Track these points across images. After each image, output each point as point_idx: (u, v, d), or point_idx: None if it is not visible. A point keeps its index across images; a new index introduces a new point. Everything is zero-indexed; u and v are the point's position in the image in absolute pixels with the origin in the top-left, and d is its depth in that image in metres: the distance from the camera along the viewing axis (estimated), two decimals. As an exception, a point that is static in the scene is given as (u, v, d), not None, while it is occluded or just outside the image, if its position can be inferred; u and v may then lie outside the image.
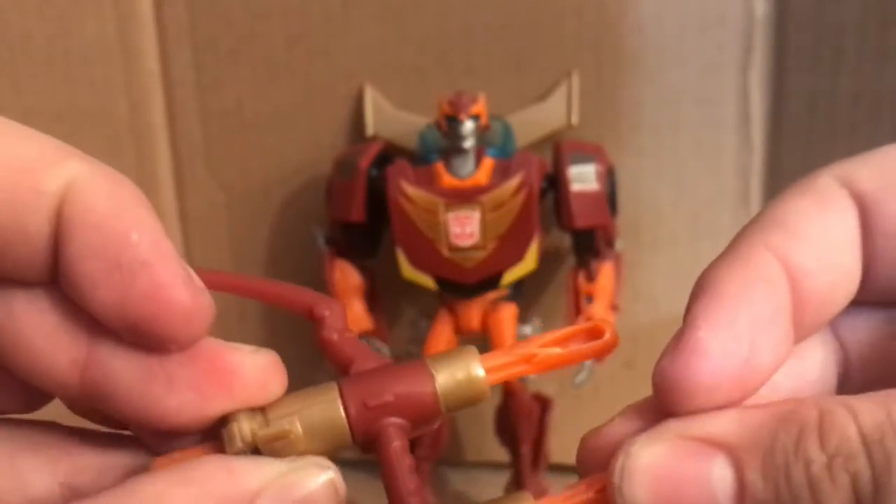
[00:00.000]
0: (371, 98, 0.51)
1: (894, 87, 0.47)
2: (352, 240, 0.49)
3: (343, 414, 0.20)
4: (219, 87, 0.52)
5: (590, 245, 0.48)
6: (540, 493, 0.50)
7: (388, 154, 0.49)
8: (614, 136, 0.50)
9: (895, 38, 0.46)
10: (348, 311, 0.49)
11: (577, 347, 0.21)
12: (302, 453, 0.20)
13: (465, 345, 0.22)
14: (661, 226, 0.52)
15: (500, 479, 0.51)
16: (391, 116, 0.51)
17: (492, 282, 0.46)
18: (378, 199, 0.47)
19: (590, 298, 0.47)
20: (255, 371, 0.20)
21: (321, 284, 0.49)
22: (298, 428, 0.20)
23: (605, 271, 0.48)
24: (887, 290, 0.21)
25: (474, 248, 0.45)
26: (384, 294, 0.52)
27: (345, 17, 0.50)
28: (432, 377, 0.21)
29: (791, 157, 0.51)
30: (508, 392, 0.49)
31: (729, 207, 0.52)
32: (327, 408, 0.20)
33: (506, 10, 0.50)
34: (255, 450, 0.20)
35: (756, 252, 0.19)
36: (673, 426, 0.19)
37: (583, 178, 0.46)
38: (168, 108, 0.53)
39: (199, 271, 0.20)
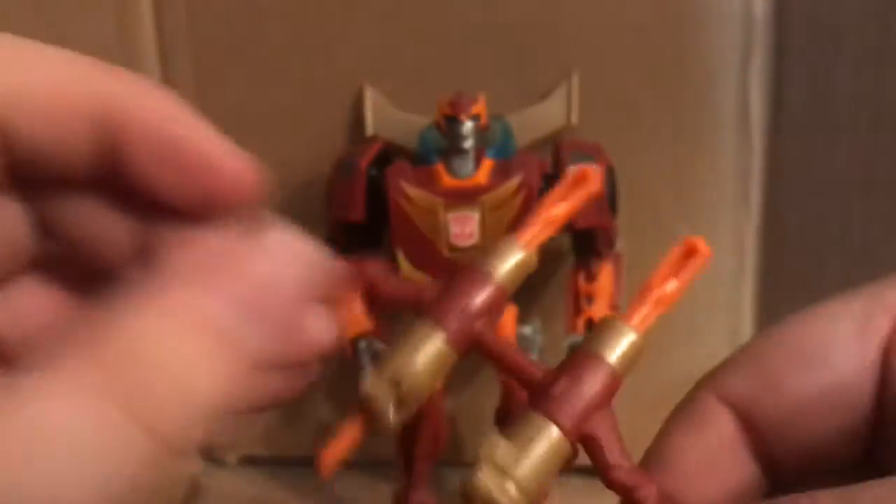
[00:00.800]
0: (371, 98, 0.51)
1: (894, 87, 0.47)
2: (352, 240, 0.49)
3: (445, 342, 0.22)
4: (219, 87, 0.52)
5: (590, 245, 0.48)
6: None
7: (388, 154, 0.49)
8: (614, 136, 0.50)
9: (894, 38, 0.46)
10: (348, 311, 0.49)
11: (686, 271, 0.22)
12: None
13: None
14: (661, 226, 0.52)
15: (500, 480, 0.51)
16: (391, 116, 0.51)
17: (492, 282, 0.46)
18: (378, 199, 0.47)
19: (590, 299, 0.47)
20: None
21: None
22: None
23: (605, 271, 0.48)
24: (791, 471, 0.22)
25: (474, 248, 0.45)
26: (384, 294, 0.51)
27: (345, 17, 0.50)
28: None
29: (791, 157, 0.51)
30: (508, 392, 0.49)
31: (729, 207, 0.52)
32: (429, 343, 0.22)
33: (506, 10, 0.50)
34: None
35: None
36: None
37: (583, 178, 0.46)
38: (168, 108, 0.53)
39: None
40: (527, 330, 0.49)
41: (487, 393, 0.51)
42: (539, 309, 0.52)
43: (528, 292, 0.50)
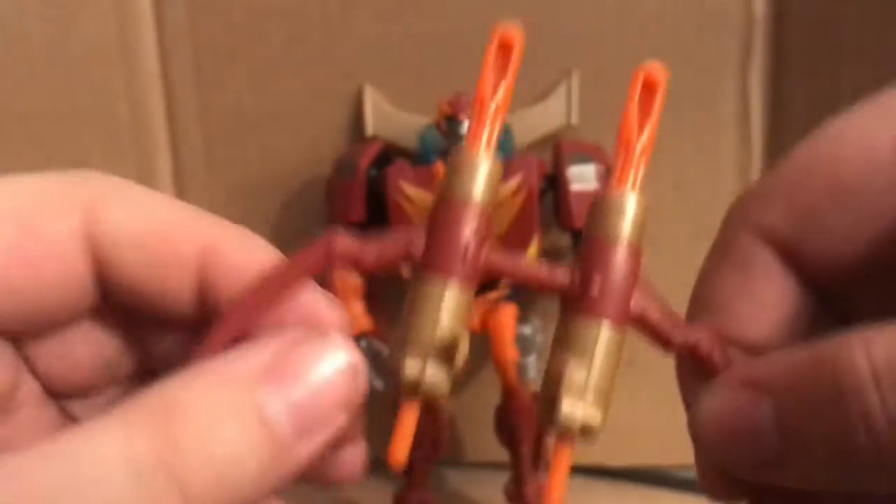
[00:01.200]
0: (371, 98, 0.51)
1: (894, 88, 0.47)
2: (352, 240, 0.49)
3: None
4: (219, 87, 0.52)
5: (590, 245, 0.47)
6: (540, 493, 0.50)
7: (388, 154, 0.49)
8: (614, 136, 0.50)
9: (895, 38, 0.46)
10: (348, 311, 0.49)
11: (654, 107, 0.22)
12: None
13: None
14: (661, 226, 0.52)
15: (500, 479, 0.51)
16: (391, 116, 0.51)
17: (491, 282, 0.46)
18: (378, 200, 0.47)
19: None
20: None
21: (321, 284, 0.49)
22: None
23: (605, 271, 0.48)
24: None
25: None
26: (384, 294, 0.52)
27: (344, 17, 0.50)
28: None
29: (791, 157, 0.51)
30: (508, 392, 0.49)
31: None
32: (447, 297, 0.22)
33: (506, 10, 0.50)
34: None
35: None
36: (727, 379, 0.21)
37: (582, 177, 0.46)
38: (168, 108, 0.53)
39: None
40: (527, 330, 0.49)
41: (487, 393, 0.51)
42: (539, 308, 0.52)
43: (528, 292, 0.50)
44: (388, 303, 0.53)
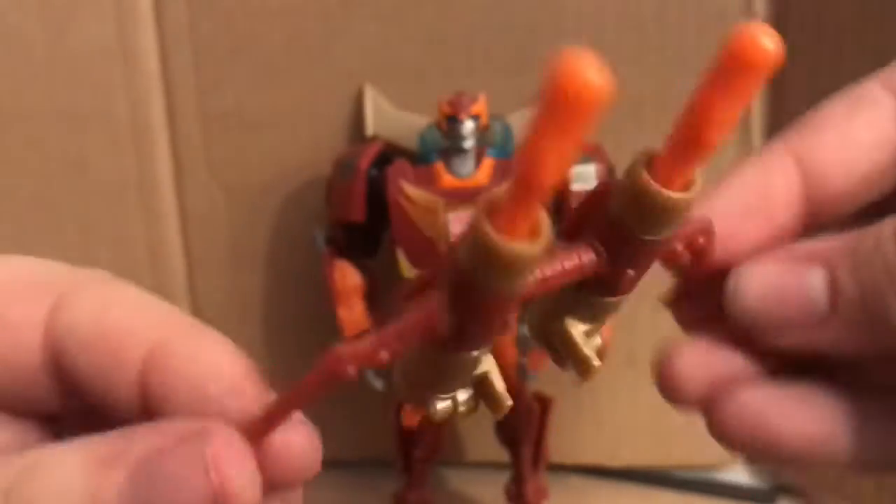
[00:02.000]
0: (371, 98, 0.51)
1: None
2: (352, 240, 0.49)
3: None
4: (219, 87, 0.52)
5: (590, 245, 0.47)
6: (540, 493, 0.50)
7: (388, 154, 0.49)
8: (614, 136, 0.50)
9: (894, 38, 0.46)
10: (348, 311, 0.49)
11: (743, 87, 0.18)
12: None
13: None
14: (661, 226, 0.52)
15: (500, 479, 0.51)
16: (391, 116, 0.51)
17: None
18: (378, 200, 0.47)
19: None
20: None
21: (321, 284, 0.49)
22: None
23: (605, 271, 0.48)
24: None
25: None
26: (384, 294, 0.52)
27: (344, 17, 0.50)
28: None
29: (791, 157, 0.51)
30: (508, 392, 0.49)
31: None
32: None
33: (506, 10, 0.50)
34: None
35: (775, 149, 0.23)
36: (777, 252, 0.23)
37: (583, 177, 0.46)
38: (168, 108, 0.53)
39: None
40: (527, 330, 0.49)
41: (487, 393, 0.51)
42: (539, 309, 0.52)
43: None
44: (388, 303, 0.53)
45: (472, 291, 0.17)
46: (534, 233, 0.17)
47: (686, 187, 0.20)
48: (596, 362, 0.22)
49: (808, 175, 0.23)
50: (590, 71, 0.15)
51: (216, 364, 0.19)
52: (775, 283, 0.22)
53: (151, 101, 0.53)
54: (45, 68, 0.52)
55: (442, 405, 0.20)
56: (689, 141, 0.19)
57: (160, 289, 0.55)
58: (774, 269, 0.22)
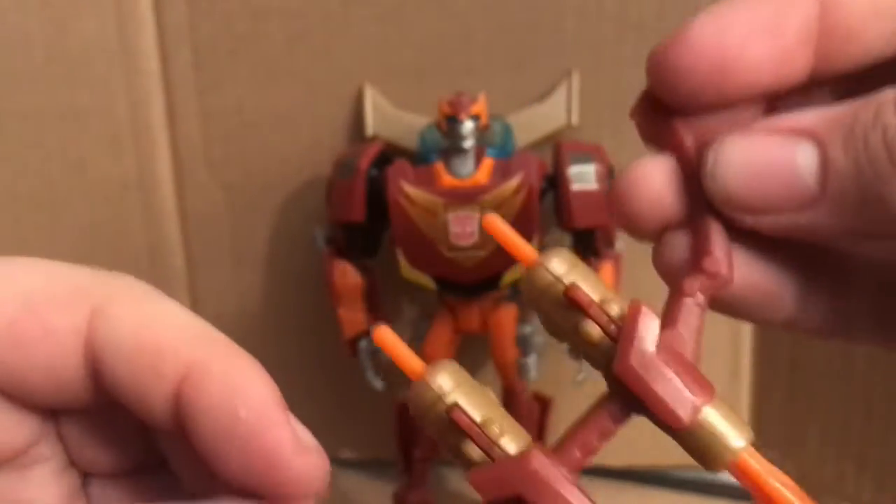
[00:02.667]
0: (371, 98, 0.51)
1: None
2: (352, 240, 0.49)
3: None
4: (219, 87, 0.52)
5: (590, 245, 0.47)
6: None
7: (388, 154, 0.49)
8: (614, 136, 0.50)
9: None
10: (348, 311, 0.49)
11: None
12: None
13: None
14: (661, 226, 0.52)
15: (500, 479, 0.51)
16: (391, 116, 0.51)
17: (491, 282, 0.46)
18: (378, 200, 0.47)
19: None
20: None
21: (321, 284, 0.49)
22: None
23: (605, 271, 0.48)
24: None
25: (474, 248, 0.45)
26: (384, 294, 0.52)
27: (345, 17, 0.50)
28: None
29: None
30: (508, 392, 0.49)
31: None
32: None
33: (506, 10, 0.50)
34: None
35: None
36: (761, 124, 0.20)
37: (583, 177, 0.46)
38: (168, 108, 0.53)
39: None
40: (527, 330, 0.49)
41: (487, 393, 0.51)
42: (539, 309, 0.52)
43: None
44: (389, 303, 0.53)
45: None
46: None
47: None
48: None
49: (826, 6, 0.20)
50: None
51: (247, 388, 0.20)
52: (759, 158, 0.20)
53: (151, 101, 0.53)
54: (45, 68, 0.52)
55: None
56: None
57: (160, 288, 0.55)
58: (759, 142, 0.20)
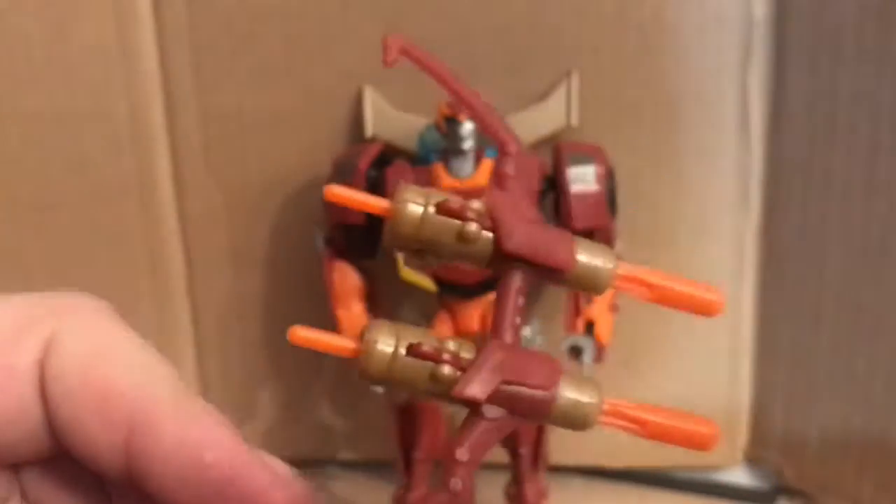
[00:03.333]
0: (370, 99, 0.51)
1: (894, 87, 0.47)
2: (351, 241, 0.49)
3: None
4: (218, 88, 0.52)
5: (589, 245, 0.47)
6: (539, 494, 0.50)
7: (388, 155, 0.49)
8: (614, 137, 0.50)
9: (895, 38, 0.46)
10: (347, 312, 0.49)
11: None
12: None
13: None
14: (661, 226, 0.52)
15: (500, 479, 0.51)
16: (390, 117, 0.51)
17: (491, 283, 0.46)
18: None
19: (589, 299, 0.47)
20: None
21: (321, 285, 0.49)
22: None
23: (605, 272, 0.48)
24: None
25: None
26: (384, 295, 0.52)
27: (344, 18, 0.50)
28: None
29: (791, 158, 0.51)
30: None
31: (729, 207, 0.52)
32: None
33: (505, 10, 0.50)
34: None
35: None
36: None
37: (582, 178, 0.46)
38: (167, 109, 0.53)
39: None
40: (526, 330, 0.49)
41: (487, 393, 0.51)
42: (539, 309, 0.52)
43: (528, 293, 0.50)
44: (388, 304, 0.53)
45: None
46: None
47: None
48: None
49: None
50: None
51: (207, 430, 0.18)
52: None
53: (151, 101, 0.53)
54: (45, 68, 0.52)
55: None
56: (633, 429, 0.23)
57: (160, 289, 0.55)
58: None
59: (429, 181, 0.46)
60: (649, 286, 0.22)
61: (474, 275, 0.46)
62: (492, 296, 0.47)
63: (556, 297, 0.52)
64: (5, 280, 0.54)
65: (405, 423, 0.50)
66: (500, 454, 0.51)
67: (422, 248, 0.22)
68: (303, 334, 0.20)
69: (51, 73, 0.52)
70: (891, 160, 0.48)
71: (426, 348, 0.20)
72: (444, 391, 0.20)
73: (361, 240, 0.49)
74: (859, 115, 0.48)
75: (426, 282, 0.47)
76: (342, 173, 0.48)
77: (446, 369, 0.20)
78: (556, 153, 0.48)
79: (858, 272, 0.50)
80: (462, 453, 0.20)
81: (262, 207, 0.54)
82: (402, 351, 0.20)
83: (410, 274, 0.47)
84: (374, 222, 0.47)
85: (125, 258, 0.55)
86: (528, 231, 0.22)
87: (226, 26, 0.51)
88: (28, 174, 0.53)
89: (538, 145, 0.50)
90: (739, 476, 0.56)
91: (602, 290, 0.22)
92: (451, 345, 0.21)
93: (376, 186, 0.47)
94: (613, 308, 0.48)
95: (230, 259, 0.55)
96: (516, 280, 0.22)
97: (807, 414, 0.54)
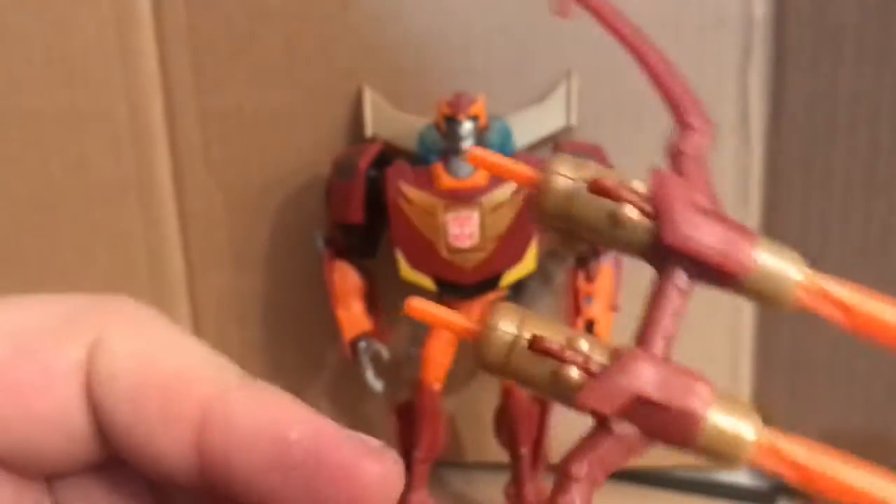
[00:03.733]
0: (370, 99, 0.51)
1: (894, 87, 0.47)
2: (351, 241, 0.49)
3: None
4: (218, 87, 0.52)
5: (589, 245, 0.47)
6: (539, 494, 0.50)
7: (387, 155, 0.49)
8: (614, 137, 0.50)
9: (895, 38, 0.46)
10: (347, 311, 0.49)
11: None
12: None
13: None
14: (660, 226, 0.52)
15: (500, 479, 0.51)
16: (390, 117, 0.51)
17: (491, 283, 0.46)
18: (377, 200, 0.47)
19: (589, 299, 0.47)
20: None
21: (321, 285, 0.49)
22: None
23: (605, 272, 0.48)
24: None
25: (473, 249, 0.45)
26: (384, 294, 0.52)
27: (344, 17, 0.50)
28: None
29: (791, 158, 0.51)
30: (507, 392, 0.49)
31: (729, 207, 0.52)
32: None
33: (506, 10, 0.50)
34: None
35: None
36: None
37: (582, 178, 0.46)
38: (167, 108, 0.53)
39: None
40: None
41: (487, 394, 0.51)
42: (539, 309, 0.52)
43: (528, 292, 0.50)
44: (388, 303, 0.53)
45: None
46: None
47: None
48: None
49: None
50: None
51: (285, 408, 0.17)
52: None
53: (151, 101, 0.53)
54: (45, 68, 0.52)
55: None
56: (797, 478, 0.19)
57: (160, 289, 0.55)
58: None
59: (429, 181, 0.46)
60: (845, 309, 0.18)
61: (475, 275, 0.46)
62: (492, 296, 0.48)
63: (557, 297, 0.52)
64: (5, 280, 0.54)
65: (405, 423, 0.50)
66: (500, 454, 0.51)
67: (570, 228, 0.19)
68: (419, 306, 0.19)
69: (51, 72, 0.52)
70: (891, 160, 0.48)
71: (552, 344, 0.18)
72: (568, 395, 0.18)
73: (361, 239, 0.49)
74: (859, 115, 0.48)
75: (426, 281, 0.47)
76: (342, 173, 0.48)
77: (573, 371, 0.18)
78: (556, 152, 0.48)
79: (858, 272, 0.50)
80: (579, 468, 0.17)
81: (261, 207, 0.54)
82: (525, 341, 0.18)
83: (410, 274, 0.47)
84: (374, 222, 0.47)
85: (125, 258, 0.55)
86: (697, 223, 0.18)
87: (225, 27, 0.51)
88: (28, 174, 0.53)
89: (538, 145, 0.50)
90: (739, 475, 0.56)
91: (785, 305, 0.19)
92: (583, 343, 0.18)
93: (376, 186, 0.47)
94: (614, 308, 0.48)
95: (230, 258, 0.55)
96: (678, 281, 0.19)
97: (807, 413, 0.54)
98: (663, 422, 0.17)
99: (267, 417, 0.17)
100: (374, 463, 0.17)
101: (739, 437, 0.18)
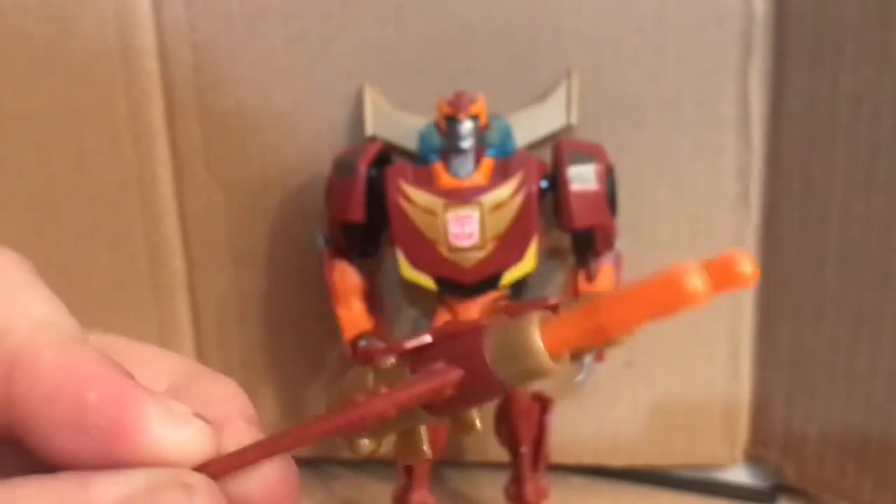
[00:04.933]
0: (370, 98, 0.51)
1: (894, 87, 0.47)
2: (351, 240, 0.49)
3: None
4: (218, 87, 0.52)
5: (589, 245, 0.48)
6: (540, 493, 0.50)
7: (388, 154, 0.49)
8: (614, 136, 0.50)
9: (895, 38, 0.46)
10: (347, 311, 0.49)
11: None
12: None
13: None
14: (661, 226, 0.52)
15: (500, 479, 0.51)
16: (390, 116, 0.51)
17: (491, 282, 0.46)
18: (377, 200, 0.47)
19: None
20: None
21: (321, 284, 0.49)
22: None
23: (605, 271, 0.48)
24: None
25: (474, 248, 0.45)
26: (384, 294, 0.52)
27: (344, 17, 0.50)
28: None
29: (791, 158, 0.51)
30: (507, 393, 0.49)
31: (729, 207, 0.52)
32: None
33: (506, 10, 0.50)
34: None
35: None
36: None
37: (582, 177, 0.46)
38: (167, 108, 0.53)
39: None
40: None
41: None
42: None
43: (528, 292, 0.50)
44: (389, 303, 0.53)
45: (488, 378, 0.19)
46: (566, 356, 0.18)
47: (560, 358, 0.18)
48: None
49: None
50: (699, 284, 0.16)
51: (90, 369, 0.17)
52: None
53: (151, 101, 0.53)
54: (45, 68, 0.52)
55: (369, 443, 0.20)
56: (593, 331, 0.17)
57: (160, 288, 0.55)
58: None
59: (429, 180, 0.46)
60: (597, 327, 0.17)
61: (475, 274, 0.46)
62: (492, 295, 0.48)
63: (556, 296, 0.52)
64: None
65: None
66: (500, 453, 0.51)
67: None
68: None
69: (52, 72, 0.52)
70: (891, 160, 0.48)
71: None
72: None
73: (361, 239, 0.49)
74: (859, 115, 0.48)
75: (427, 281, 0.47)
76: (342, 172, 0.48)
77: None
78: (556, 152, 0.48)
79: (858, 272, 0.50)
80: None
81: (262, 206, 0.54)
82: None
83: (411, 273, 0.47)
84: (374, 221, 0.47)
85: (125, 257, 0.55)
86: None
87: (225, 25, 0.51)
88: (28, 174, 0.53)
89: (538, 145, 0.50)
90: (739, 475, 0.56)
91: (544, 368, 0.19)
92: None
93: (376, 186, 0.47)
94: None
95: (230, 257, 0.55)
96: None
97: (807, 413, 0.54)
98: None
99: (70, 375, 0.16)
100: (172, 429, 0.17)
101: (525, 347, 0.18)
